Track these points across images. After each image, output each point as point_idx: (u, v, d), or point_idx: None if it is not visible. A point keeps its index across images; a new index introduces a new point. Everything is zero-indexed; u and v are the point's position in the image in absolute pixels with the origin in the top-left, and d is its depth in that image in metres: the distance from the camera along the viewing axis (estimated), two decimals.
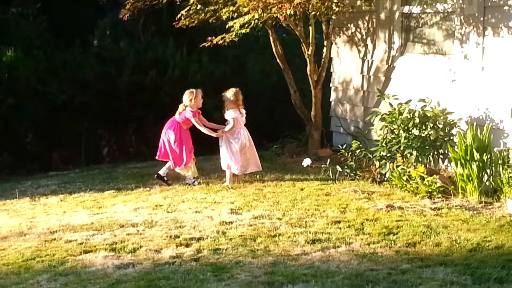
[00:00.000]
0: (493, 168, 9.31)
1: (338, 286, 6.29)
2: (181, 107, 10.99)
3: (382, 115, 10.54)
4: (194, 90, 11.04)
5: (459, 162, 9.34)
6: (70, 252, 7.60)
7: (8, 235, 8.56)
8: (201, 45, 12.82)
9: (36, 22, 16.32)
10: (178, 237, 7.94)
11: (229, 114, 10.89)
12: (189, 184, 10.79)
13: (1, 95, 14.37)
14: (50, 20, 16.52)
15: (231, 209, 9.02)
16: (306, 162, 11.03)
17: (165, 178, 10.97)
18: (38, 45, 15.73)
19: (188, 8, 12.42)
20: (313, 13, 11.63)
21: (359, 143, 10.69)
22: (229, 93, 10.97)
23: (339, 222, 8.24)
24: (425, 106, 10.24)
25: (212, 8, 12.25)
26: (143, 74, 15.37)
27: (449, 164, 10.36)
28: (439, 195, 9.35)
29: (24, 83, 14.68)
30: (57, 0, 17.65)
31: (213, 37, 12.41)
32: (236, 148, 10.75)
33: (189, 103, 10.92)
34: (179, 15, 12.53)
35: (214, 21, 12.46)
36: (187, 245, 7.64)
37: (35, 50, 15.34)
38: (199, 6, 12.36)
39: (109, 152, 16.06)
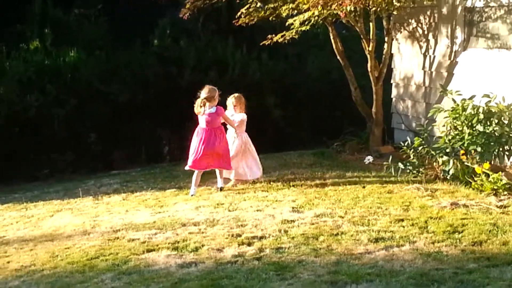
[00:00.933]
0: None
1: (403, 285, 6.20)
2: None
3: (445, 111, 10.38)
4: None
5: None
6: (133, 251, 7.64)
7: (72, 234, 8.65)
8: (261, 43, 12.82)
9: (98, 23, 16.50)
10: (240, 235, 7.92)
11: (240, 116, 10.71)
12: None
13: (64, 95, 14.57)
14: (111, 21, 16.69)
15: (293, 208, 8.97)
16: (368, 159, 10.95)
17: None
18: (99, 45, 15.91)
19: (247, 6, 12.44)
20: (374, 9, 11.52)
21: (421, 139, 10.55)
22: (240, 98, 10.78)
23: (402, 220, 8.14)
24: (489, 101, 10.04)
25: (272, 5, 12.23)
26: (203, 73, 15.41)
27: None
28: (505, 193, 9.15)
29: (86, 83, 14.87)
30: (117, 1, 17.82)
31: (273, 35, 12.41)
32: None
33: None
34: (238, 13, 12.54)
35: (273, 18, 12.44)
36: (249, 244, 7.62)
37: (96, 51, 15.52)
38: (258, 4, 12.36)
39: (170, 151, 16.16)
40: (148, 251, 7.61)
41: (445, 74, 11.95)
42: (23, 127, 14.35)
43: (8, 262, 7.69)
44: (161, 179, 11.89)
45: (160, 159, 15.53)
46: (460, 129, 10.13)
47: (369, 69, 12.43)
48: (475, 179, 9.44)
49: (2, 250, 8.22)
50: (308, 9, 11.41)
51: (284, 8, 11.98)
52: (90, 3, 16.90)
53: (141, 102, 15.17)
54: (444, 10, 11.87)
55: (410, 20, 12.70)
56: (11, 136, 14.25)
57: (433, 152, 10.37)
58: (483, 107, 10.02)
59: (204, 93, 10.47)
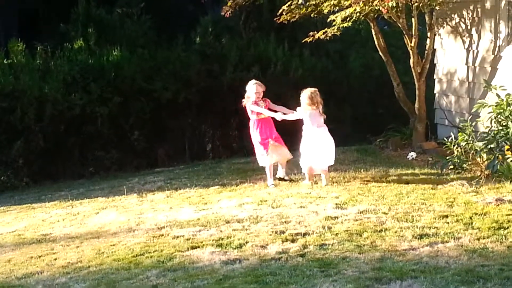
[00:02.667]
0: None
1: (448, 282, 6.18)
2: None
3: (489, 106, 10.29)
4: None
5: None
6: (177, 248, 7.70)
7: (118, 231, 8.75)
8: (303, 41, 12.83)
9: (140, 21, 16.61)
10: (284, 232, 7.94)
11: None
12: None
13: (108, 94, 14.69)
14: (153, 19, 16.79)
15: (336, 204, 8.97)
16: (411, 155, 10.91)
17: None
18: (142, 44, 16.01)
19: (289, 3, 12.46)
20: (416, 4, 11.47)
21: (465, 135, 10.46)
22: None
23: (446, 216, 8.09)
24: None
25: (314, 2, 12.23)
26: (246, 70, 15.45)
27: None
28: None
29: (129, 81, 14.98)
30: None
31: (315, 32, 12.40)
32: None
33: None
34: (280, 11, 12.57)
35: (315, 15, 12.44)
36: (292, 241, 7.63)
37: (139, 49, 15.62)
38: (300, 1, 12.35)
39: (213, 148, 16.23)
40: (193, 248, 7.68)
41: (488, 69, 11.85)
42: (68, 125, 14.50)
43: (55, 259, 7.81)
44: (205, 176, 11.95)
45: (203, 156, 15.60)
46: (504, 124, 10.04)
47: (411, 65, 12.37)
48: None
49: (49, 247, 8.35)
50: (349, 6, 11.41)
51: (325, 4, 11.98)
52: (132, 2, 16.99)
53: (184, 99, 15.25)
54: (487, 5, 11.76)
55: (452, 15, 12.61)
56: (57, 135, 14.41)
57: (477, 148, 10.28)
58: None
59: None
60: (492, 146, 10.00)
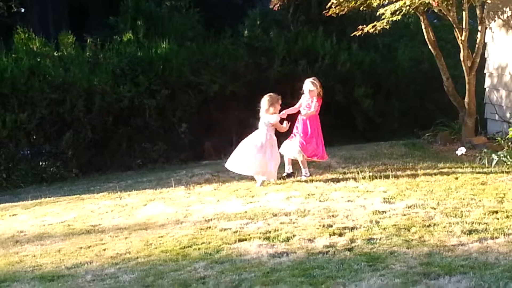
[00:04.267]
0: None
1: (498, 278, 6.09)
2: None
3: None
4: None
5: None
6: (225, 240, 7.72)
7: (165, 222, 8.79)
8: (352, 34, 12.77)
9: (188, 14, 16.67)
10: (331, 226, 7.92)
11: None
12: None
13: (156, 86, 14.79)
14: (201, 12, 16.85)
15: (384, 198, 8.92)
16: (461, 150, 10.79)
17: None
18: (190, 37, 16.09)
19: None
20: None
21: None
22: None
23: (496, 212, 7.99)
24: None
25: None
26: (293, 63, 15.43)
27: None
28: None
29: (177, 74, 15.06)
30: None
31: (364, 26, 12.34)
32: None
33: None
34: (329, 4, 12.51)
35: (364, 9, 12.37)
36: (340, 235, 7.61)
37: (187, 42, 15.68)
38: None
39: None
40: (240, 240, 7.69)
41: None
42: (116, 117, 14.63)
43: (104, 250, 7.88)
44: None
45: None
46: None
47: (461, 58, 12.24)
48: None
49: (98, 238, 8.43)
50: None
51: None
52: None
53: (231, 92, 15.28)
54: None
55: (504, 8, 12.44)
56: (105, 127, 14.55)
57: None
58: None
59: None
60: None
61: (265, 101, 10.62)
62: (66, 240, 8.49)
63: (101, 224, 9.10)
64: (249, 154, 10.51)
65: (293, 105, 10.89)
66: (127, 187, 11.49)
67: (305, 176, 10.62)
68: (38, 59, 14.44)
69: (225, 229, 8.16)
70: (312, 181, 10.36)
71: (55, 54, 14.73)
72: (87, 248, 8.00)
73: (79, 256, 7.75)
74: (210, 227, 8.32)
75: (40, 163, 14.09)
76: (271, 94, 10.69)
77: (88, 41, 15.21)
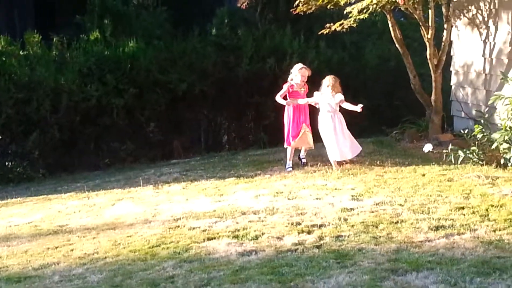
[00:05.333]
0: None
1: (464, 273, 6.16)
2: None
3: (506, 98, 10.24)
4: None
5: None
6: (194, 239, 7.72)
7: (134, 222, 8.77)
8: (319, 32, 12.80)
9: (156, 12, 16.61)
10: (300, 224, 7.95)
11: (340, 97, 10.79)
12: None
13: (124, 85, 14.71)
14: (168, 10, 16.79)
15: (352, 196, 8.97)
16: (427, 147, 10.86)
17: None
18: (158, 35, 16.02)
19: None
20: None
21: (481, 127, 10.43)
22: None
23: (463, 208, 8.07)
24: None
25: None
26: (261, 62, 15.44)
27: None
28: None
29: (145, 73, 14.98)
30: None
31: (331, 24, 12.39)
32: None
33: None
34: (296, 2, 12.53)
35: (331, 7, 12.40)
36: (308, 232, 7.64)
37: (155, 40, 15.62)
38: None
39: (229, 140, 16.24)
40: (209, 239, 7.69)
41: (505, 60, 11.78)
42: (83, 117, 14.51)
43: (72, 250, 7.85)
44: (220, 168, 11.94)
45: (219, 147, 15.61)
46: None
47: (428, 56, 12.32)
48: None
49: (66, 238, 8.39)
50: None
51: None
52: None
53: (200, 91, 15.24)
54: None
55: (469, 7, 12.54)
56: (72, 126, 14.44)
57: (493, 140, 10.25)
58: None
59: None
60: (508, 138, 9.95)
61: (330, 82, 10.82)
62: (33, 241, 8.44)
63: (68, 225, 9.06)
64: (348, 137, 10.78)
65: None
66: (95, 187, 11.43)
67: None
68: (4, 58, 14.29)
69: (193, 228, 8.16)
70: (280, 179, 10.37)
71: (21, 53, 14.59)
72: (55, 249, 7.97)
73: (46, 257, 7.71)
74: (178, 226, 8.32)
75: (6, 163, 13.95)
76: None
77: (55, 40, 15.09)
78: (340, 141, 10.75)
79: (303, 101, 10.99)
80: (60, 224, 9.15)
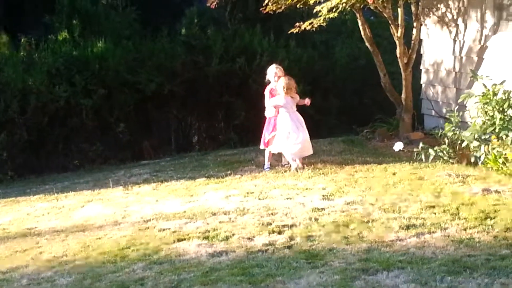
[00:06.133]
0: None
1: (435, 272, 6.16)
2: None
3: (476, 96, 10.28)
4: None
5: None
6: (164, 241, 7.66)
7: (103, 224, 8.69)
8: (289, 32, 12.79)
9: (125, 12, 16.52)
10: (271, 224, 7.91)
11: None
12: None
13: (92, 86, 14.63)
14: (138, 10, 16.71)
15: (323, 195, 8.93)
16: (398, 146, 10.86)
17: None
18: (126, 35, 15.94)
19: None
20: None
21: (452, 125, 10.45)
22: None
23: (433, 207, 8.07)
24: None
25: None
26: (231, 61, 15.41)
27: None
28: None
29: (114, 73, 14.89)
30: None
31: (301, 23, 12.38)
32: None
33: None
34: (266, 1, 12.49)
35: (301, 6, 12.37)
36: (279, 233, 7.60)
37: (124, 41, 15.54)
38: None
39: (199, 140, 16.19)
40: (179, 240, 7.64)
41: (475, 59, 11.84)
42: (52, 118, 14.39)
43: (40, 253, 7.76)
44: (191, 168, 11.88)
45: (189, 148, 15.56)
46: (491, 114, 10.03)
47: (398, 55, 12.35)
48: (507, 164, 9.34)
49: (34, 241, 8.29)
50: None
51: None
52: None
53: (169, 91, 15.18)
54: None
55: (438, 5, 12.59)
56: (40, 127, 14.31)
57: (464, 138, 10.27)
58: None
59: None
60: (478, 136, 9.98)
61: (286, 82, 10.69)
62: (1, 244, 8.35)
63: (37, 227, 8.95)
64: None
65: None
66: (64, 189, 11.31)
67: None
68: None
69: (164, 229, 8.10)
70: (251, 179, 10.33)
71: None
72: (23, 252, 7.88)
73: (14, 260, 7.62)
74: (148, 228, 8.25)
75: None
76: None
77: (23, 40, 14.96)
78: (299, 138, 10.67)
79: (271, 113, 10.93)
80: (28, 226, 9.04)
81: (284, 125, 10.65)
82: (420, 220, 7.62)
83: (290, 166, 10.68)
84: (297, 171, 10.40)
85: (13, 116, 13.94)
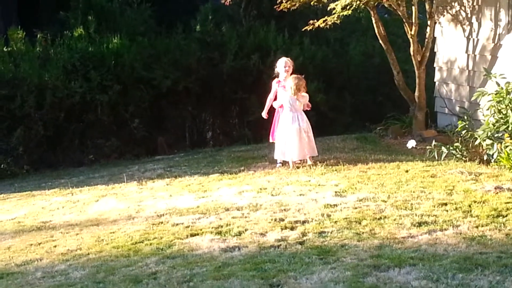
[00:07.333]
0: None
1: (446, 269, 6.18)
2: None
3: (489, 94, 10.28)
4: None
5: None
6: (177, 235, 7.71)
7: (117, 218, 8.76)
8: (303, 29, 12.81)
9: (140, 9, 16.58)
10: (283, 220, 7.95)
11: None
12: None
13: (108, 81, 14.69)
14: (153, 7, 16.77)
15: (336, 192, 8.97)
16: (411, 143, 10.89)
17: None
18: (142, 32, 16.00)
19: None
20: None
21: (465, 123, 10.47)
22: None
23: (445, 204, 8.09)
24: None
25: None
26: (246, 58, 15.45)
27: None
28: None
29: (129, 69, 14.96)
30: None
31: (315, 20, 12.38)
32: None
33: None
34: None
35: (315, 3, 12.41)
36: (292, 228, 7.64)
37: (139, 37, 15.60)
38: None
39: (213, 136, 16.23)
40: (192, 235, 7.68)
41: (489, 57, 11.83)
42: (67, 113, 14.48)
43: (55, 246, 7.83)
44: (205, 164, 11.93)
45: (203, 144, 15.60)
46: (504, 112, 10.03)
47: (411, 53, 12.36)
48: None
49: (49, 234, 8.37)
50: None
51: None
52: None
53: (184, 87, 15.24)
54: None
55: (453, 3, 12.58)
56: (56, 123, 14.41)
57: (476, 136, 10.28)
58: None
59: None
60: (491, 134, 9.99)
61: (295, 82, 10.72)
62: (16, 237, 8.43)
63: (52, 221, 9.04)
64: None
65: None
66: (79, 183, 11.39)
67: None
68: None
69: (177, 224, 8.15)
70: (264, 175, 10.38)
71: (5, 49, 14.55)
72: (38, 245, 7.95)
73: (29, 253, 7.69)
74: (162, 222, 8.31)
75: None
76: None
77: (38, 36, 15.05)
78: (302, 141, 10.71)
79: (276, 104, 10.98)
80: (43, 220, 9.13)
81: (282, 125, 10.73)
82: (432, 217, 7.64)
83: (303, 162, 10.73)
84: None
85: (29, 111, 14.03)
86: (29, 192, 11.25)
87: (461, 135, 10.49)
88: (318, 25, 12.34)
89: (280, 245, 7.18)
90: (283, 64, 11.02)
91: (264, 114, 11.14)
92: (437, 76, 13.33)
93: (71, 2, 16.13)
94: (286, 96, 10.77)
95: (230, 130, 16.20)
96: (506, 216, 7.55)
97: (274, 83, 11.07)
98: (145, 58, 15.19)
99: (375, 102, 15.85)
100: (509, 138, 9.70)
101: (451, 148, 10.35)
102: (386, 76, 13.65)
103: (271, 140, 11.12)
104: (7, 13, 18.81)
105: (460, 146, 10.37)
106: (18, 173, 13.72)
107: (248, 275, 6.39)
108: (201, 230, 7.83)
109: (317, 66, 15.65)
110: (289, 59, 11.20)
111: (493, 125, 10.00)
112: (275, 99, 11.06)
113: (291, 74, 10.97)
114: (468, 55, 12.34)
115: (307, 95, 10.89)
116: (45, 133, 14.28)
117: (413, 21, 12.05)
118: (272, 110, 11.15)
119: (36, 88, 14.08)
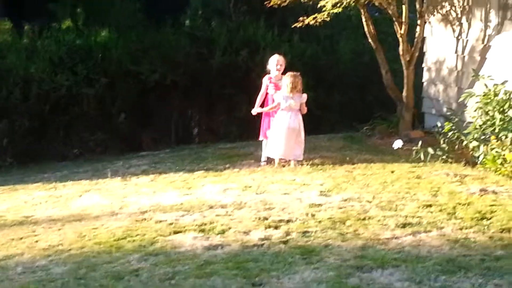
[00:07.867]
0: None
1: (429, 271, 6.16)
2: None
3: (477, 96, 10.26)
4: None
5: None
6: (160, 233, 7.64)
7: (100, 214, 8.68)
8: (293, 26, 12.77)
9: (129, 2, 16.52)
10: (267, 219, 7.89)
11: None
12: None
13: (95, 75, 14.62)
14: (142, 1, 16.71)
15: (320, 191, 8.92)
16: (397, 144, 10.86)
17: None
18: (130, 25, 15.93)
19: None
20: None
21: (452, 124, 10.45)
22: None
23: (430, 206, 8.05)
24: None
25: None
26: (235, 54, 15.40)
27: None
28: None
29: (116, 63, 14.90)
30: None
31: (305, 17, 12.36)
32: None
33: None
34: None
35: (305, 0, 12.36)
36: (276, 227, 7.59)
37: (127, 31, 15.53)
38: None
39: (199, 132, 16.17)
40: (175, 232, 7.61)
41: (478, 58, 11.82)
42: (53, 106, 14.41)
43: (36, 241, 7.74)
44: (190, 161, 11.88)
45: (189, 140, 15.54)
46: (491, 114, 10.03)
47: (400, 52, 12.34)
48: (505, 165, 9.33)
49: (31, 229, 8.28)
50: None
51: None
52: None
53: (171, 81, 15.17)
54: None
55: (443, 3, 12.56)
56: (42, 115, 14.33)
57: (463, 138, 10.27)
58: None
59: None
60: (478, 136, 9.98)
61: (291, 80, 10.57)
62: None
63: (34, 215, 8.94)
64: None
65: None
66: (63, 178, 11.31)
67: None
68: None
69: (160, 221, 8.08)
70: (249, 173, 10.33)
71: None
72: (19, 240, 7.85)
73: (10, 248, 7.60)
74: (145, 219, 8.22)
75: None
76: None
77: (26, 27, 14.97)
78: (289, 142, 10.65)
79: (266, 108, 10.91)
80: (25, 215, 9.03)
81: (275, 123, 10.68)
82: (416, 219, 7.61)
83: (288, 161, 10.68)
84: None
85: (15, 103, 13.95)
86: (11, 186, 11.15)
87: (448, 136, 10.47)
88: (308, 22, 12.30)
89: (264, 244, 7.13)
90: (275, 62, 10.94)
91: (255, 111, 11.02)
92: (425, 77, 13.32)
93: None
94: (281, 94, 10.66)
95: (217, 126, 16.13)
96: (490, 218, 7.53)
97: (265, 79, 11.00)
98: (133, 51, 15.13)
99: (363, 101, 15.83)
100: (496, 140, 9.69)
101: (437, 149, 10.34)
102: (376, 74, 13.61)
103: (260, 138, 11.04)
104: None
105: (447, 148, 10.35)
106: (1, 165, 13.64)
107: (230, 274, 6.34)
108: (184, 227, 7.76)
109: (307, 64, 15.61)
110: (281, 57, 11.11)
111: (480, 126, 10.00)
112: (267, 95, 10.97)
113: (282, 72, 10.88)
114: (457, 55, 12.34)
115: (305, 96, 10.75)
116: (30, 126, 14.21)
117: (403, 20, 12.05)
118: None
119: (21, 80, 14.03)
